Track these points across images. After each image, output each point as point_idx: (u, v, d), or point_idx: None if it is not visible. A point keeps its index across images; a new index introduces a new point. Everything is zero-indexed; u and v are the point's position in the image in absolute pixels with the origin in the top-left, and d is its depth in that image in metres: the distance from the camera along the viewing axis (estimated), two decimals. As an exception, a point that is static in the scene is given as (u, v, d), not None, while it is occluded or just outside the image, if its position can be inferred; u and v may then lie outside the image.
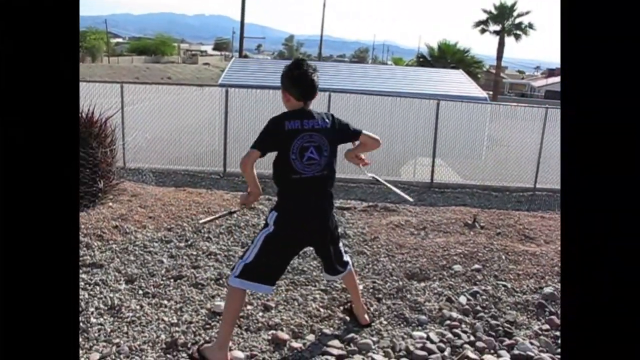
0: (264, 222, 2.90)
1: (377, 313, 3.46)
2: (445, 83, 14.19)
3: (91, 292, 3.58)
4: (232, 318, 2.82)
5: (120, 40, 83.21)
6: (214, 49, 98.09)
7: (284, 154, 2.71)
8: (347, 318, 3.35)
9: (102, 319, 3.25)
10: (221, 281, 3.84)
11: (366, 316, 3.32)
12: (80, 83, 10.12)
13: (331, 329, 3.23)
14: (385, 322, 3.34)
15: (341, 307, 3.50)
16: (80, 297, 3.50)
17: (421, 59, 33.70)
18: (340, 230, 5.05)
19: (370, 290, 3.80)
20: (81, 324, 3.18)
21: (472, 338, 3.15)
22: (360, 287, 3.79)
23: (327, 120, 2.83)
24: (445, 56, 30.83)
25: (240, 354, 2.89)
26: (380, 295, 3.73)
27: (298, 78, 2.74)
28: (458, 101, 11.25)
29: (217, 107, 10.85)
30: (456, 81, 14.44)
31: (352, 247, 4.65)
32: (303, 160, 2.72)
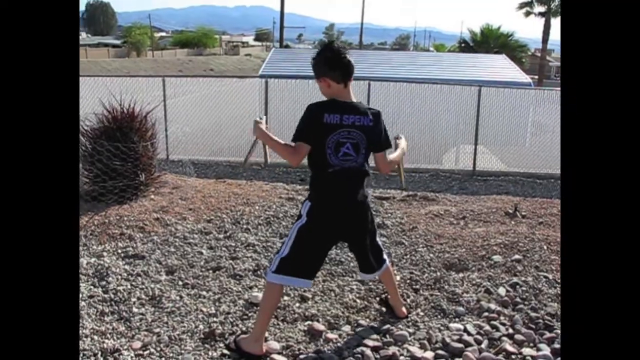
0: (298, 213, 2.91)
1: (414, 304, 3.44)
2: (488, 69, 13.87)
3: (133, 283, 3.68)
4: (269, 311, 2.84)
5: (163, 34, 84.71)
6: (255, 39, 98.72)
7: (319, 147, 2.65)
8: (384, 309, 3.34)
9: (143, 309, 3.34)
10: (259, 272, 3.89)
11: (403, 309, 3.29)
12: (124, 78, 10.36)
13: (367, 320, 3.23)
14: (422, 314, 3.32)
15: (377, 298, 3.49)
16: (123, 287, 3.60)
17: (463, 45, 33.09)
18: (378, 220, 5.04)
19: (408, 281, 3.77)
20: (124, 313, 3.28)
21: (510, 330, 3.09)
22: (398, 277, 3.78)
23: (370, 118, 2.72)
24: (488, 41, 30.18)
25: (276, 345, 2.92)
26: (417, 286, 3.70)
27: (335, 59, 2.65)
28: (500, 87, 10.99)
29: (258, 98, 10.93)
30: (499, 66, 14.10)
31: (390, 238, 4.63)
32: (339, 155, 2.67)
